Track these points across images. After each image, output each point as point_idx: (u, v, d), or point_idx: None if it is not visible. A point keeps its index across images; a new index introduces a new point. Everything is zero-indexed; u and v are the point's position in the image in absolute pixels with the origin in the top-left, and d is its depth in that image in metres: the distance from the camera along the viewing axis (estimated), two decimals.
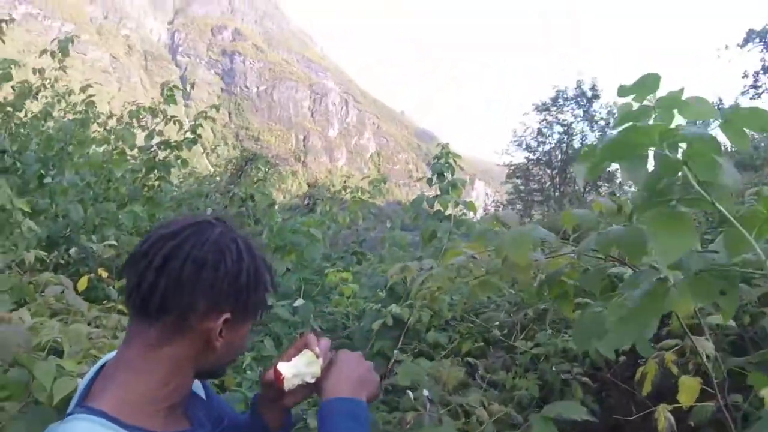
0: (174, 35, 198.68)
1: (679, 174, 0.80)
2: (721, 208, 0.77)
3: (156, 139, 4.34)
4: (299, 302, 2.63)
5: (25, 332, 1.03)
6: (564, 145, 23.99)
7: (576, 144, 23.64)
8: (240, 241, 0.79)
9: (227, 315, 0.74)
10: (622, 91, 0.86)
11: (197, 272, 0.72)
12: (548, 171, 24.56)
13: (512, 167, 25.44)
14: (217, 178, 10.11)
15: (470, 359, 1.65)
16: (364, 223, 7.50)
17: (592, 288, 1.17)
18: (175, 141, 4.34)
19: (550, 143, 24.51)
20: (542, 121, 24.62)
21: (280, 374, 0.79)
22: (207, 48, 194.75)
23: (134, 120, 4.28)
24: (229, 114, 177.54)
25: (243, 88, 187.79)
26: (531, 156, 24.76)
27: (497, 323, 2.04)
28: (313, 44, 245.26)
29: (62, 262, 2.90)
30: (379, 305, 2.60)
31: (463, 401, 1.14)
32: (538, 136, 24.69)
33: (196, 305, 0.72)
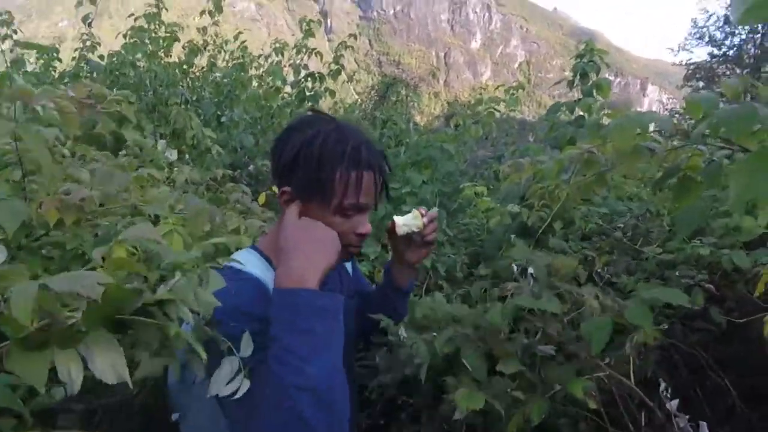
0: None
1: None
2: None
3: (302, 73, 4.79)
4: (434, 210, 2.82)
5: (220, 213, 1.51)
6: (759, 36, 18.39)
7: None
8: (323, 131, 0.87)
9: (286, 188, 0.89)
10: None
11: (274, 157, 0.92)
12: (737, 71, 19.49)
13: (692, 66, 20.83)
14: (362, 105, 10.67)
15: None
16: (508, 137, 7.23)
17: (713, 181, 1.07)
18: (319, 73, 4.73)
19: (740, 34, 19.00)
20: (730, 5, 19.00)
21: (393, 222, 1.04)
22: None
23: (279, 56, 4.78)
24: (369, 41, 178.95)
25: (380, 12, 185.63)
26: (716, 51, 19.84)
27: (621, 225, 1.94)
28: None
29: (245, 182, 3.61)
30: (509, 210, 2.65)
31: (574, 290, 1.19)
32: (725, 26, 19.38)
33: (275, 181, 0.93)
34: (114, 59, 4.40)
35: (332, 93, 4.97)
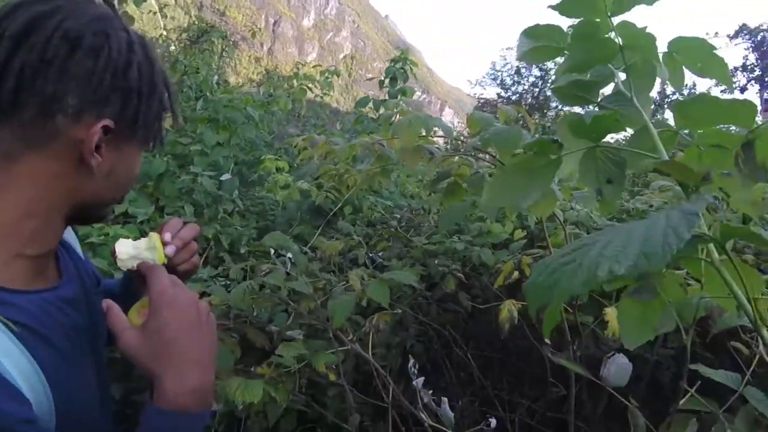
0: None
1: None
2: (646, 117, 0.74)
3: None
4: (225, 177, 2.63)
5: None
6: (537, 90, 23.55)
7: (549, 93, 23.32)
8: (132, 32, 0.57)
9: (107, 122, 0.54)
10: None
11: (69, 51, 0.52)
12: None
13: (482, 101, 25.19)
14: (171, 46, 9.36)
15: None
16: (318, 120, 7.38)
17: (476, 189, 1.25)
18: None
19: (524, 84, 24.07)
20: (518, 44, 23.73)
21: (114, 250, 0.66)
22: None
23: None
24: None
25: None
26: (503, 93, 24.44)
27: (398, 216, 2.19)
28: None
29: None
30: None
31: (329, 278, 1.25)
32: (515, 75, 24.13)
33: (64, 98, 0.52)
34: None
35: (132, 19, 4.18)
